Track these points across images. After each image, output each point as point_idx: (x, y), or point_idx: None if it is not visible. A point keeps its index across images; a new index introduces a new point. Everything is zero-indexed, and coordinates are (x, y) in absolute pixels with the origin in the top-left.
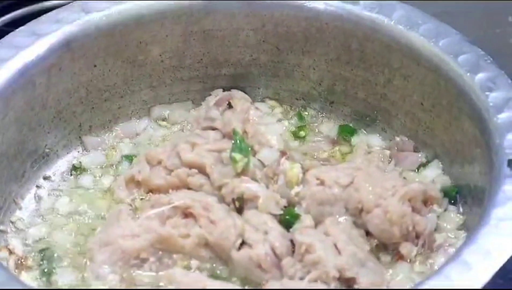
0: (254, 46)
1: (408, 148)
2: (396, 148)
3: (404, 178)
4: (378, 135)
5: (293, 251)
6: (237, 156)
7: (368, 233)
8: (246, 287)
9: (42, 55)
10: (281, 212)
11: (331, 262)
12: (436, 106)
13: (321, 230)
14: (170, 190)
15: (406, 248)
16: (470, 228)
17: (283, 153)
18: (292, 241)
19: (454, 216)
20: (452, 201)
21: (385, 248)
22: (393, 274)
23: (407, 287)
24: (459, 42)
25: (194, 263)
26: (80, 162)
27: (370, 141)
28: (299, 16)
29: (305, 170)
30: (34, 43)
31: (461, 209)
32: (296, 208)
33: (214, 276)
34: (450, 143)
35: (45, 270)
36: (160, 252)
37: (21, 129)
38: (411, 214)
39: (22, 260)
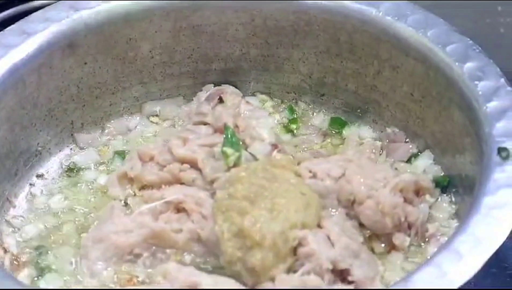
0: (244, 41)
1: (399, 139)
2: (387, 139)
3: (396, 169)
4: (369, 126)
5: None
6: (229, 150)
7: (361, 225)
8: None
9: (32, 54)
10: None
11: (324, 254)
12: (426, 97)
13: None
14: (163, 186)
15: (398, 239)
16: (462, 217)
17: (274, 146)
18: None
19: (446, 206)
20: (444, 191)
21: (378, 239)
22: (387, 265)
23: (400, 277)
24: (447, 32)
25: (187, 257)
26: (74, 163)
27: (361, 132)
28: (287, 10)
29: (297, 163)
30: (23, 42)
31: (453, 199)
32: None
33: (207, 270)
34: (440, 133)
35: (40, 267)
36: (154, 247)
37: (13, 128)
38: (403, 205)
39: (18, 258)
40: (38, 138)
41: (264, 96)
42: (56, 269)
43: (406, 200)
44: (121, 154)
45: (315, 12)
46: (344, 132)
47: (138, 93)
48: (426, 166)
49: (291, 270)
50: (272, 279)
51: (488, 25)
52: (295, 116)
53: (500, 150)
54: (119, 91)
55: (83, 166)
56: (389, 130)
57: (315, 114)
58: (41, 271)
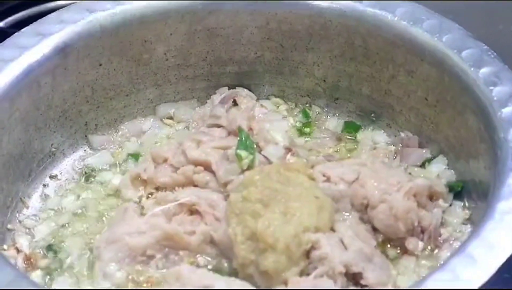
0: (259, 44)
1: (413, 143)
2: (401, 144)
3: (410, 173)
4: (383, 131)
5: None
6: (243, 153)
7: (374, 229)
8: (251, 286)
9: (47, 55)
10: None
11: (338, 258)
12: (440, 101)
13: None
14: (176, 188)
15: (412, 243)
16: (475, 222)
17: (288, 150)
18: None
19: (459, 211)
20: (458, 196)
21: (391, 243)
22: (399, 269)
23: (413, 282)
24: (462, 37)
25: (200, 259)
26: (87, 164)
27: (375, 137)
28: (302, 14)
29: (311, 167)
30: (38, 44)
31: (466, 204)
32: None
33: (220, 272)
34: (454, 138)
35: (53, 268)
36: (167, 249)
37: (27, 129)
38: (416, 209)
39: (30, 259)
40: (52, 139)
41: (278, 100)
42: (69, 270)
43: (419, 205)
44: (135, 156)
45: (330, 16)
46: (358, 136)
47: (152, 95)
48: (440, 171)
49: (304, 273)
50: (285, 282)
51: (500, 32)
52: (309, 119)
53: None
54: (133, 93)
55: (96, 168)
56: (403, 134)
57: (329, 118)
58: (53, 271)
